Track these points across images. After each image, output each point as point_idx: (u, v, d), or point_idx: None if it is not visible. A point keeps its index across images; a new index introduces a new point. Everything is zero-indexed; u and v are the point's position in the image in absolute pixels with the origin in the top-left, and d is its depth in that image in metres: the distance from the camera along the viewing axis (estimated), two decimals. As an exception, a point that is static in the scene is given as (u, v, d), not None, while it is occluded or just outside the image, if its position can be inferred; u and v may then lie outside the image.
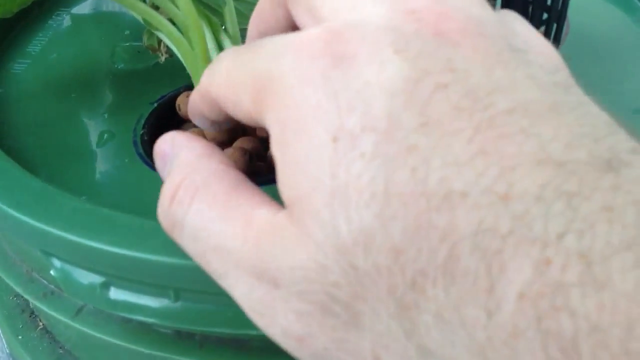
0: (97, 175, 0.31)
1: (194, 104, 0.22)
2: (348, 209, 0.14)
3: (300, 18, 0.19)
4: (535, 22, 0.32)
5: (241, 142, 0.31)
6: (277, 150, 0.16)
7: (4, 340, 0.39)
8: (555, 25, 0.33)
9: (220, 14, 0.35)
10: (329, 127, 0.15)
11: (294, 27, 0.20)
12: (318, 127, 0.15)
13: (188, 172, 0.19)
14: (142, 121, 0.34)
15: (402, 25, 0.15)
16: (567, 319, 0.12)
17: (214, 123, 0.22)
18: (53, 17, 0.45)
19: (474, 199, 0.13)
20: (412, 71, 0.15)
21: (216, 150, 0.20)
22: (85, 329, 0.29)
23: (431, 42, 0.15)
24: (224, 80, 0.19)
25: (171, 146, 0.20)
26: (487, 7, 0.17)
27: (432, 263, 0.13)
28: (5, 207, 0.26)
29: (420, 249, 0.13)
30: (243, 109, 0.18)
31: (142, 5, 0.31)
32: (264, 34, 0.22)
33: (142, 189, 0.30)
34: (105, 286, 0.26)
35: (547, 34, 0.33)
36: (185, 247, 0.18)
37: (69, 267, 0.26)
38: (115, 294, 0.26)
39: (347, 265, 0.14)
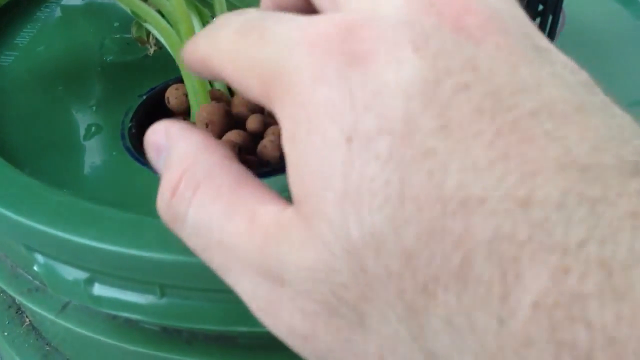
0: (84, 169, 0.30)
1: (189, 63, 0.21)
2: (360, 211, 0.14)
3: (316, 0, 0.18)
4: (531, 13, 0.32)
5: (230, 136, 0.31)
6: (289, 146, 0.15)
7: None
8: (551, 17, 0.33)
9: (210, 5, 0.34)
10: (344, 127, 0.14)
11: (310, 6, 0.19)
12: (332, 127, 0.14)
13: (189, 164, 0.18)
14: (130, 114, 0.33)
15: (421, 19, 0.15)
16: (583, 330, 0.11)
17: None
18: (41, 8, 0.44)
19: (492, 204, 0.12)
20: (431, 71, 0.14)
21: (215, 141, 0.19)
22: (70, 326, 0.28)
23: (452, 38, 0.14)
24: (229, 61, 0.18)
25: (165, 137, 0.19)
26: (511, 1, 0.16)
27: (445, 269, 0.13)
28: (-13, 201, 0.25)
29: (433, 254, 0.13)
30: (250, 92, 0.17)
31: (129, -5, 0.31)
32: (279, 6, 0.21)
33: (129, 183, 0.29)
34: (90, 282, 0.25)
35: (542, 26, 0.33)
36: (187, 242, 0.18)
37: (52, 263, 0.25)
38: (99, 290, 0.25)
39: (357, 267, 0.14)
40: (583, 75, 0.15)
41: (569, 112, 0.13)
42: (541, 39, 0.15)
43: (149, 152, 0.20)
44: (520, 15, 0.16)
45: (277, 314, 0.16)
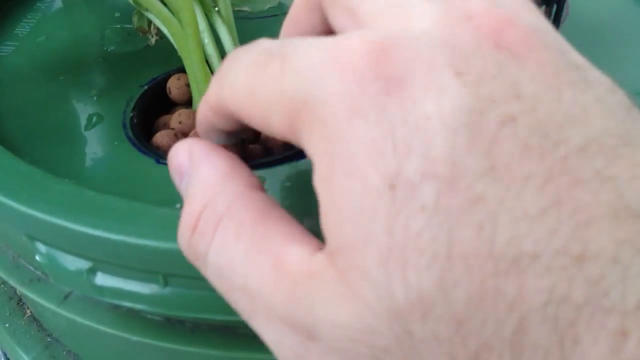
0: (86, 159, 0.30)
1: (204, 117, 0.19)
2: (405, 271, 0.13)
3: (336, 20, 0.17)
4: (535, 1, 0.32)
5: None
6: (323, 186, 0.14)
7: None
8: (555, 6, 0.33)
9: (212, -6, 0.34)
10: (386, 172, 0.13)
11: (330, 33, 0.17)
12: (373, 171, 0.13)
13: (210, 197, 0.17)
14: (132, 104, 0.33)
15: (458, 35, 0.14)
16: None
17: (229, 134, 0.20)
18: (41, -2, 0.44)
19: (545, 261, 0.12)
20: (475, 100, 0.13)
21: (240, 165, 0.18)
22: (72, 316, 0.28)
23: (493, 58, 0.13)
24: (246, 97, 0.16)
25: (188, 159, 0.18)
26: (540, 14, 0.15)
27: (499, 335, 0.12)
28: (-12, 190, 0.25)
29: (486, 319, 0.12)
30: (274, 129, 0.16)
31: (130, -17, 0.31)
32: (300, 32, 0.20)
33: (130, 172, 0.29)
34: (92, 272, 0.25)
35: (547, 15, 0.32)
36: (211, 282, 0.17)
37: (54, 252, 0.25)
38: (102, 279, 0.25)
39: (401, 331, 0.13)
40: (620, 95, 0.14)
41: (617, 146, 0.13)
42: (576, 54, 0.15)
43: (172, 175, 0.19)
44: (552, 29, 0.15)
45: None
